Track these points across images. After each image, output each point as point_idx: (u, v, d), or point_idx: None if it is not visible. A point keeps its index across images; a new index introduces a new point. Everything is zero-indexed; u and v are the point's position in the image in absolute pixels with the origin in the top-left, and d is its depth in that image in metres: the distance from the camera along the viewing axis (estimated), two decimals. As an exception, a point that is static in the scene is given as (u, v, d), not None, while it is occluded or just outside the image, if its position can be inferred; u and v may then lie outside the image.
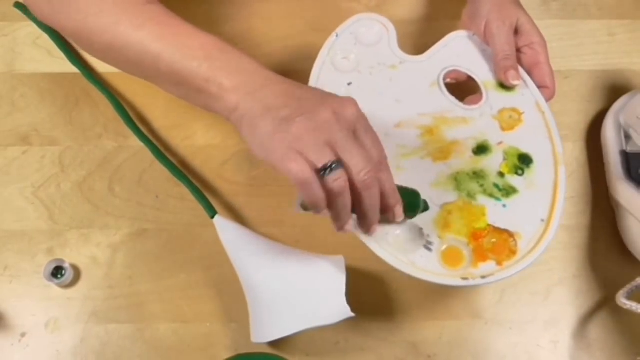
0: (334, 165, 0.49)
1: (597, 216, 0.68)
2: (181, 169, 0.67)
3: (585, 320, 0.64)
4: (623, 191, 0.66)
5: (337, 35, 0.68)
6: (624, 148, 0.68)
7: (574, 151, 0.71)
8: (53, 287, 0.64)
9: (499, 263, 0.57)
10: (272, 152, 0.49)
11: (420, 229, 0.58)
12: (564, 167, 0.62)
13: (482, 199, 0.60)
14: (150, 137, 0.69)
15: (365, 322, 0.63)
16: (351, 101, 0.52)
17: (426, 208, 0.58)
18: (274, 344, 0.61)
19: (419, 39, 0.76)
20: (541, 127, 0.64)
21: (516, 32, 0.67)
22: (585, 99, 0.74)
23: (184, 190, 0.66)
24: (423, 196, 0.59)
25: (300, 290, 0.58)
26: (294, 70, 0.74)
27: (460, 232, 0.58)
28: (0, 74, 0.74)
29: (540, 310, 0.65)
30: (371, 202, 0.52)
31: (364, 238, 0.57)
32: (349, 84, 0.65)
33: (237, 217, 0.67)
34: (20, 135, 0.71)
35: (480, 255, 0.58)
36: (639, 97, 0.69)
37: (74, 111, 0.72)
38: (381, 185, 0.52)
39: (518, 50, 0.67)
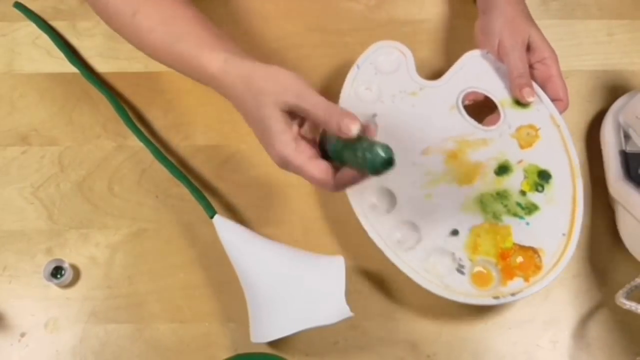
0: None
1: (597, 216, 0.68)
2: (180, 169, 0.67)
3: (585, 320, 0.64)
4: (622, 191, 0.66)
5: (358, 67, 0.69)
6: (624, 148, 0.68)
7: (573, 151, 0.71)
8: (52, 287, 0.64)
9: (526, 279, 0.60)
10: None
11: (452, 254, 0.61)
12: (581, 180, 0.63)
13: (506, 219, 0.62)
14: (150, 137, 0.69)
15: (364, 322, 0.63)
16: (275, 151, 0.53)
17: (388, 162, 0.51)
18: (273, 344, 0.61)
19: (418, 37, 0.76)
20: (557, 141, 0.66)
21: (528, 48, 0.68)
22: (585, 99, 0.74)
23: (183, 190, 0.66)
24: (453, 222, 0.62)
25: (300, 290, 0.58)
26: (292, 69, 0.74)
27: (488, 253, 0.61)
28: (0, 73, 0.74)
29: (540, 310, 0.65)
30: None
31: (401, 264, 0.61)
32: (374, 115, 0.67)
33: (237, 217, 0.67)
34: (19, 135, 0.71)
35: (508, 273, 0.61)
36: (638, 97, 0.68)
37: (74, 111, 0.72)
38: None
39: (530, 66, 0.68)
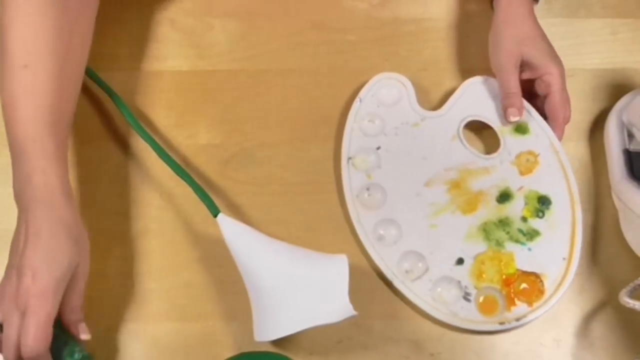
0: None
1: (600, 215, 0.68)
2: (184, 167, 0.67)
3: (588, 318, 0.64)
4: (626, 190, 0.66)
5: (360, 100, 0.71)
6: (627, 147, 0.68)
7: (576, 150, 0.71)
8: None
9: (529, 304, 0.62)
10: None
11: (459, 282, 0.63)
12: (580, 205, 0.65)
13: (509, 246, 0.64)
14: (153, 136, 0.69)
15: (368, 321, 0.63)
16: (34, 280, 0.52)
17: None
18: (277, 342, 0.62)
19: (421, 37, 0.76)
20: (556, 167, 0.67)
21: (527, 66, 0.69)
22: (588, 98, 0.74)
23: (186, 189, 0.66)
24: (458, 251, 0.64)
25: (303, 289, 0.58)
26: (295, 68, 0.74)
27: (493, 280, 0.63)
28: (3, 72, 0.74)
29: (543, 309, 0.65)
30: None
31: (409, 294, 0.63)
32: (378, 148, 0.68)
33: (240, 216, 0.67)
34: (22, 134, 0.71)
35: (512, 299, 0.63)
36: (642, 96, 0.69)
37: (76, 109, 0.72)
38: None
39: (531, 84, 0.69)
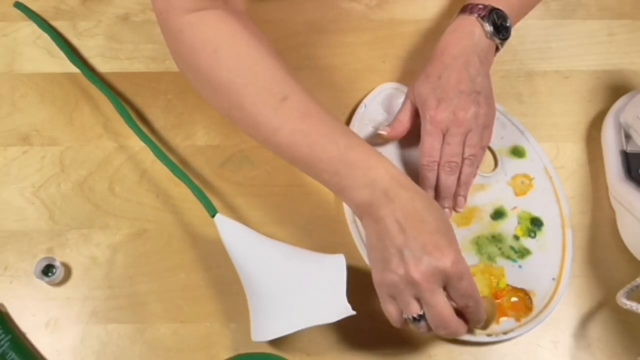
0: (417, 318, 0.55)
1: (598, 216, 0.68)
2: (182, 168, 0.67)
3: (586, 320, 0.64)
4: (623, 191, 0.66)
5: (365, 106, 0.72)
6: (624, 148, 0.68)
7: (574, 151, 0.71)
8: (53, 287, 0.64)
9: (517, 319, 0.63)
10: (376, 284, 0.57)
11: None
12: (570, 229, 0.67)
13: (500, 261, 0.66)
14: (151, 137, 0.69)
15: (365, 322, 0.63)
16: (450, 254, 0.54)
17: None
18: (274, 343, 0.61)
19: (418, 38, 0.76)
20: (549, 192, 0.69)
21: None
22: (586, 99, 0.74)
23: (184, 190, 0.66)
24: None
25: (301, 289, 0.58)
26: (292, 69, 0.74)
27: (483, 293, 0.64)
28: (1, 74, 0.74)
29: (541, 310, 0.65)
30: (453, 335, 0.57)
31: None
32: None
33: (238, 216, 0.67)
34: (20, 135, 0.71)
35: (501, 312, 0.63)
36: (639, 97, 0.69)
37: (74, 111, 0.72)
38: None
39: None
